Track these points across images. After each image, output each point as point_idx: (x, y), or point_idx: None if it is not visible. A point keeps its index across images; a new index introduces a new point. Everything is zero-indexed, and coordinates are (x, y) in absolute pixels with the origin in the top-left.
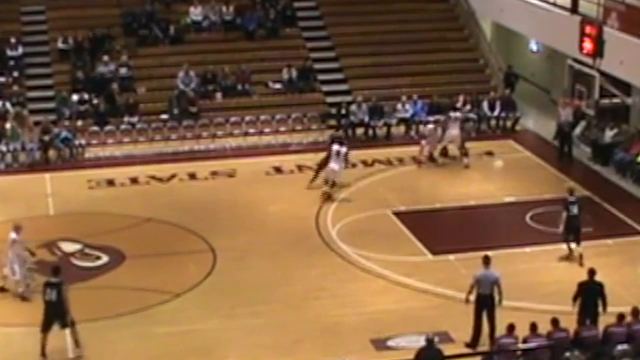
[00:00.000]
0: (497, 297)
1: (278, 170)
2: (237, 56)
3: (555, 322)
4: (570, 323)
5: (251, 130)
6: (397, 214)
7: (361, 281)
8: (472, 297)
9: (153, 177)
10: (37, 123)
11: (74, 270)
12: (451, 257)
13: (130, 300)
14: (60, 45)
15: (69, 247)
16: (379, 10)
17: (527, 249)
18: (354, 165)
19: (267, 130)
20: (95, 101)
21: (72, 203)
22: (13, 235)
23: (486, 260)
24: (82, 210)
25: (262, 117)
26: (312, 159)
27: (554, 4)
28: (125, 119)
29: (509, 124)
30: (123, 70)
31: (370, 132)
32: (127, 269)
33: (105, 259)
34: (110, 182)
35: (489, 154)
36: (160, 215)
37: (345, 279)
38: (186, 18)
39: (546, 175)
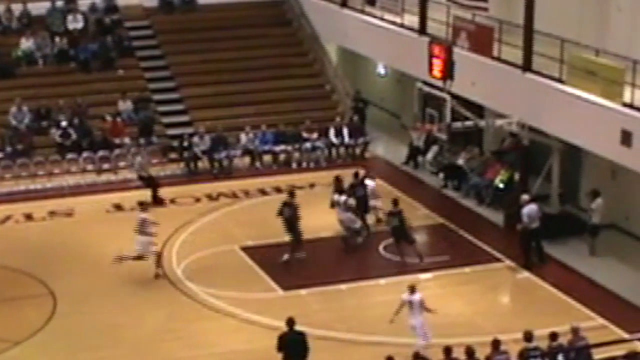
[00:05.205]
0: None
1: (119, 207)
2: (72, 89)
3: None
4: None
5: (89, 167)
6: (245, 249)
7: (211, 321)
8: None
9: None
10: None
11: None
12: (303, 292)
13: None
14: None
15: None
16: (219, 37)
17: (382, 281)
18: (197, 200)
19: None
20: None
21: None
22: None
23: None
24: None
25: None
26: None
27: (402, 26)
28: None
29: (358, 150)
30: None
31: (216, 164)
32: None
33: None
34: None
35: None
36: None
37: (193, 319)
38: (17, 50)
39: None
